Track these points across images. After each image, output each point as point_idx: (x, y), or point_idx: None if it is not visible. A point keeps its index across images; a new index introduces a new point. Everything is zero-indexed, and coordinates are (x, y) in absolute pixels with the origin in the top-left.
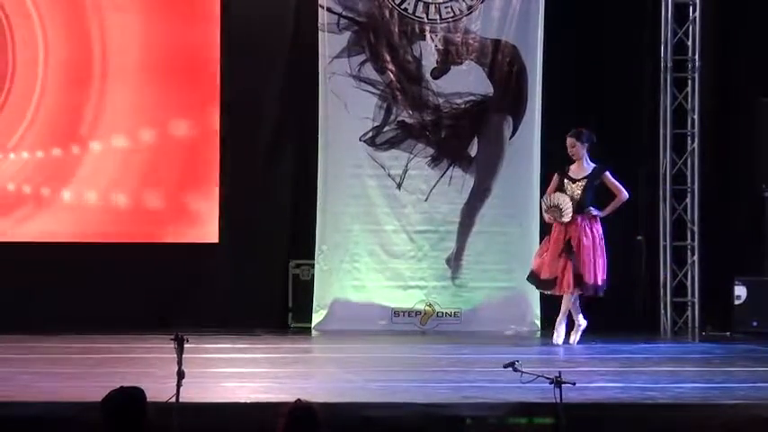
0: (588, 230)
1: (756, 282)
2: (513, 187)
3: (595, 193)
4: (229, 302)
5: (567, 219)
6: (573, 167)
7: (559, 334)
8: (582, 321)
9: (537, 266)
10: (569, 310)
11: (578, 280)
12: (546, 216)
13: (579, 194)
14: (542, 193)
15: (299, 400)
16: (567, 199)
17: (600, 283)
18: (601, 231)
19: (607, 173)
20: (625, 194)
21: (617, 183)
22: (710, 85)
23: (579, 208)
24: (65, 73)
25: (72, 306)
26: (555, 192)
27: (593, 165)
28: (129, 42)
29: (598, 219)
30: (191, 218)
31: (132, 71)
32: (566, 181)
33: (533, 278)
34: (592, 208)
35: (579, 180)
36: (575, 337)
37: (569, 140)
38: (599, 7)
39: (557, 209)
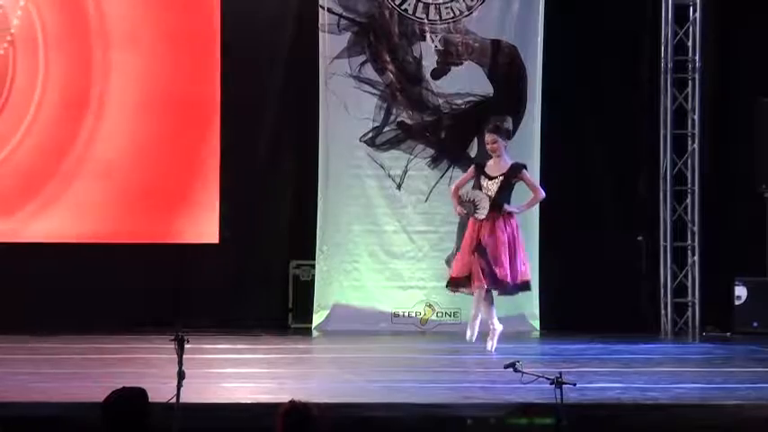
0: (504, 227)
1: (757, 282)
2: None
3: (511, 191)
4: (229, 302)
5: (481, 216)
6: (490, 163)
7: (473, 332)
8: (498, 325)
9: (453, 270)
10: (484, 313)
11: (491, 277)
12: (458, 209)
13: (495, 192)
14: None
15: (293, 400)
16: (484, 196)
17: (516, 281)
18: (518, 228)
19: (524, 171)
20: (542, 193)
21: (534, 181)
22: (710, 86)
23: (495, 206)
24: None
25: (72, 306)
26: (470, 186)
27: (510, 162)
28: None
29: (514, 215)
30: (191, 218)
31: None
32: (482, 177)
33: (449, 281)
34: (507, 205)
35: (496, 177)
36: (492, 343)
37: (490, 137)
38: (599, 8)
39: (471, 204)
